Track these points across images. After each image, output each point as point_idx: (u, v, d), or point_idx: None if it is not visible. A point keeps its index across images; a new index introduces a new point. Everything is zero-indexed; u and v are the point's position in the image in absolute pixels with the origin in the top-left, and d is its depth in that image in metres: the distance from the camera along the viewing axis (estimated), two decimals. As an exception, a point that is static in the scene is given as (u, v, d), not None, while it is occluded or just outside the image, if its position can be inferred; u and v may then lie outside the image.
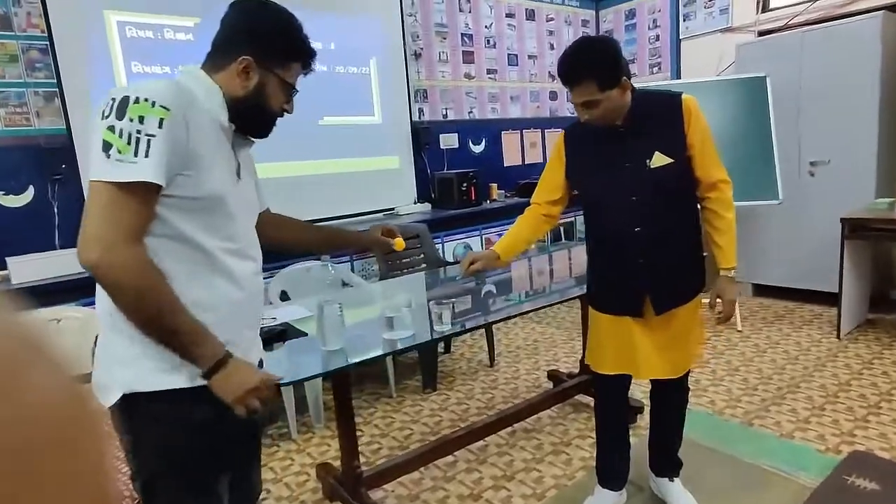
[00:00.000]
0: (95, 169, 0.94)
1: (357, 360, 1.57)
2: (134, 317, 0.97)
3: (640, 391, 2.54)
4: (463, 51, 4.45)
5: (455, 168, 4.29)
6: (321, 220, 3.57)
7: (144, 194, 0.96)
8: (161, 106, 0.96)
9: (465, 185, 4.04)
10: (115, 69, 2.96)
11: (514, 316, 2.17)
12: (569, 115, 5.24)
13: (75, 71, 2.85)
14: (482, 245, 4.14)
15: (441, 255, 3.81)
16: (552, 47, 5.05)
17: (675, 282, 1.73)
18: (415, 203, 4.12)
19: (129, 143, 0.93)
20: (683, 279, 1.75)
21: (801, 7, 3.97)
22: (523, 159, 4.90)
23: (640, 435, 2.36)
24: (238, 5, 1.13)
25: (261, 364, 1.28)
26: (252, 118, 1.13)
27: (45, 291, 2.48)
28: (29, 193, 2.78)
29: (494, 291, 2.47)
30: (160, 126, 0.95)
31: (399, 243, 1.51)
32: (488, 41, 4.60)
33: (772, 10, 4.21)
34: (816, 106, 3.69)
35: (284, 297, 2.84)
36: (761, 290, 4.14)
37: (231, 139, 1.12)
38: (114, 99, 0.96)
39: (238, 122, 1.11)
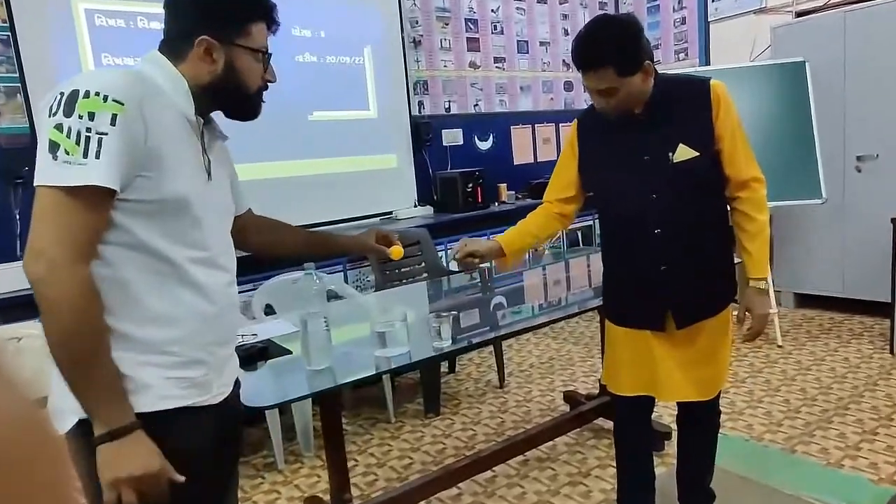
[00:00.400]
0: (41, 172, 0.93)
1: (346, 380, 1.55)
2: (58, 350, 0.93)
3: (667, 414, 2.50)
4: (467, 37, 4.45)
5: (459, 167, 4.28)
6: (311, 226, 3.57)
7: (96, 200, 0.94)
8: (114, 100, 0.94)
9: (470, 185, 4.03)
10: (84, 61, 2.98)
11: (526, 330, 2.15)
12: (585, 106, 5.22)
13: (40, 64, 2.87)
14: (490, 252, 4.12)
15: (444, 263, 3.79)
16: (566, 33, 5.05)
17: (701, 291, 1.69)
18: (415, 206, 4.11)
19: (77, 143, 0.92)
20: (710, 289, 1.71)
21: (844, -16, 3.95)
22: (535, 156, 4.89)
23: (668, 464, 2.33)
24: None
25: (237, 384, 1.27)
26: (232, 101, 1.12)
27: (3, 306, 2.48)
28: (-12, 198, 2.79)
29: (504, 303, 2.45)
30: (113, 123, 0.94)
31: (396, 251, 1.50)
32: (495, 27, 4.60)
33: (811, -13, 4.19)
34: (863, 94, 3.66)
35: (269, 311, 2.83)
36: (804, 301, 4.09)
37: (199, 134, 1.11)
38: (62, 93, 0.94)
39: (218, 107, 1.12)
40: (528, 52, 4.82)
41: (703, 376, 1.74)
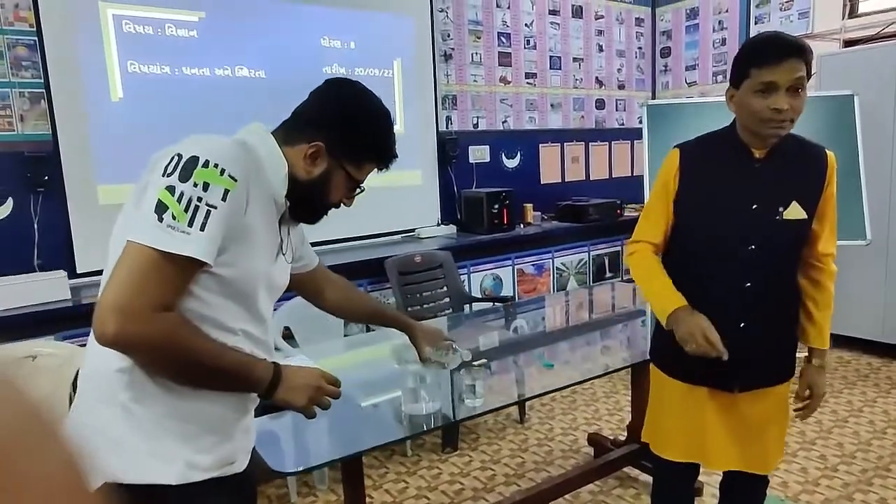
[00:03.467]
0: (141, 230, 0.94)
1: (374, 445, 1.51)
2: (177, 380, 1.00)
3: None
4: (499, 52, 4.40)
5: (485, 185, 4.23)
6: (332, 242, 3.53)
7: (187, 268, 0.96)
8: (230, 175, 0.97)
9: (496, 206, 3.97)
10: (110, 68, 2.97)
11: (557, 390, 2.07)
12: (616, 126, 5.17)
13: (65, 70, 2.86)
14: (514, 277, 4.06)
15: (467, 288, 3.74)
16: (601, 49, 4.99)
17: (772, 356, 1.62)
18: (438, 225, 4.06)
19: (186, 211, 0.94)
20: (780, 355, 1.64)
21: (897, 14, 3.86)
22: (563, 176, 4.83)
23: (698, 523, 2.26)
24: (334, 86, 1.18)
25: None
26: (306, 205, 1.16)
27: (19, 323, 2.46)
28: (7, 206, 2.78)
29: (536, 350, 2.38)
30: (224, 198, 0.96)
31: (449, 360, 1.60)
32: (528, 41, 4.55)
33: (860, 15, 4.10)
34: (913, 131, 3.56)
35: (287, 334, 2.79)
36: (840, 342, 3.99)
37: (280, 215, 1.14)
38: (179, 155, 0.96)
39: (293, 199, 1.14)
40: (560, 68, 4.76)
41: (757, 447, 1.66)
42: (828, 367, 1.64)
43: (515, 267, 4.06)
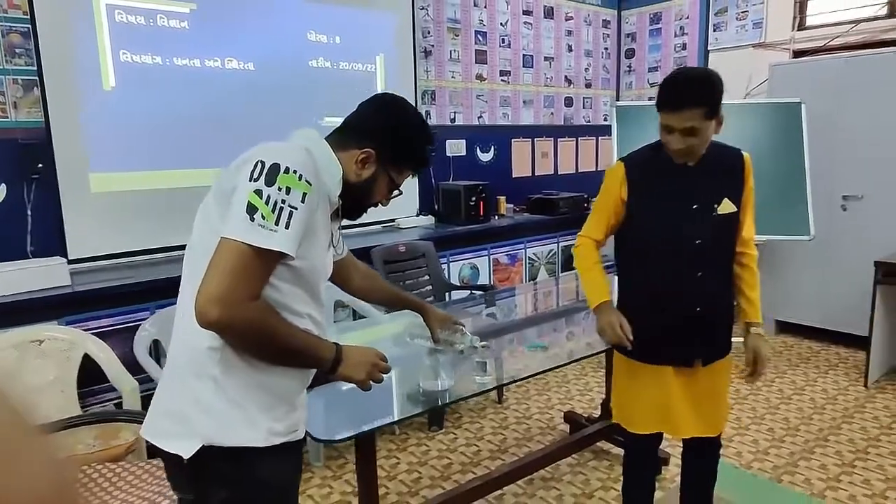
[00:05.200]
0: (236, 228, 1.08)
1: (396, 418, 1.69)
2: (259, 357, 1.16)
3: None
4: (476, 49, 4.58)
5: (460, 178, 4.42)
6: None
7: (272, 260, 1.11)
8: (306, 181, 1.12)
9: (473, 198, 4.17)
10: (102, 57, 3.01)
11: (552, 368, 2.29)
12: (583, 122, 5.43)
13: (58, 58, 2.89)
14: (490, 267, 4.28)
15: (447, 277, 3.93)
16: (570, 49, 5.23)
17: (722, 332, 1.91)
18: (417, 215, 4.23)
19: (273, 212, 1.08)
20: (726, 331, 1.93)
21: (842, 28, 4.22)
22: (533, 170, 5.06)
23: (664, 488, 2.54)
24: (382, 100, 1.34)
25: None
26: (353, 204, 1.32)
27: (20, 308, 2.51)
28: (1, 193, 2.80)
29: (522, 330, 2.59)
30: (302, 200, 1.11)
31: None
32: (503, 40, 4.74)
33: (809, 28, 4.46)
34: (852, 137, 3.94)
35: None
36: (784, 328, 4.38)
37: (334, 212, 1.30)
38: (262, 162, 1.11)
39: (341, 201, 1.30)
40: (532, 67, 4.97)
41: (712, 413, 1.95)
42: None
43: (491, 257, 4.27)
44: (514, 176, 4.92)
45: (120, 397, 2.64)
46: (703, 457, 2.09)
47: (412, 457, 2.89)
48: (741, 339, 1.93)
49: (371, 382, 1.30)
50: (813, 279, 4.17)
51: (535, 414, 3.34)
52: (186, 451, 1.12)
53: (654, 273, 1.89)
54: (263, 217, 1.08)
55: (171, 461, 1.17)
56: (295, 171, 1.11)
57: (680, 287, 1.84)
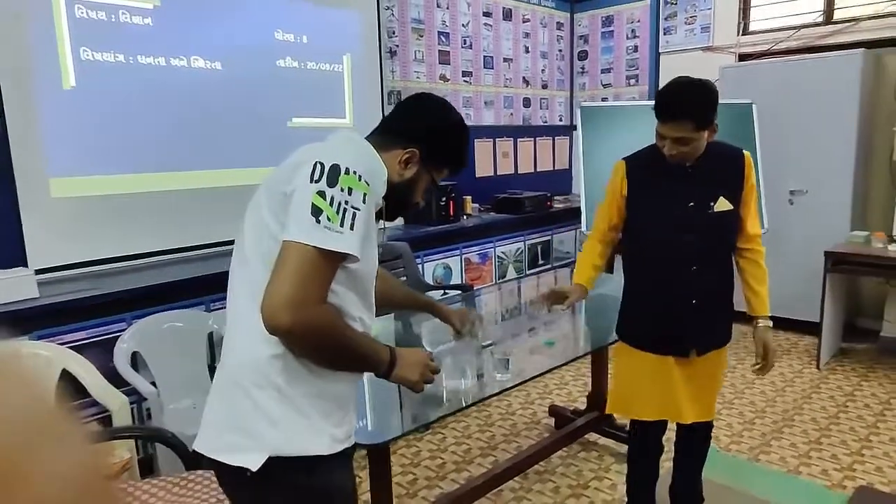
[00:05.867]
0: (302, 231, 1.05)
1: (422, 422, 1.69)
2: (322, 362, 1.15)
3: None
4: (439, 50, 4.60)
5: (428, 179, 4.42)
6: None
7: (337, 261, 1.09)
8: (365, 181, 1.10)
9: (443, 198, 4.18)
10: (62, 55, 2.84)
11: (563, 364, 2.35)
12: (541, 123, 5.55)
13: (14, 55, 2.71)
14: (462, 266, 4.31)
15: (422, 277, 3.93)
16: (527, 50, 5.33)
17: (717, 324, 2.01)
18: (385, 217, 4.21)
19: (337, 213, 1.06)
20: (723, 323, 2.04)
21: (783, 34, 4.50)
22: (495, 170, 5.13)
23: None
24: (423, 100, 1.34)
25: None
26: (394, 205, 1.30)
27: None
28: (-47, 200, 2.60)
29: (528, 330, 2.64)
30: (364, 201, 1.09)
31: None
32: (465, 41, 4.78)
33: (753, 32, 4.73)
34: (798, 135, 4.21)
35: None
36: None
37: (378, 213, 1.27)
38: (321, 164, 1.08)
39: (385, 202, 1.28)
40: (493, 68, 5.04)
41: (707, 400, 2.06)
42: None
43: (463, 256, 4.31)
44: (477, 176, 4.96)
45: (101, 413, 2.51)
46: (697, 440, 2.20)
47: (404, 458, 2.89)
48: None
49: (422, 385, 1.30)
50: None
51: (518, 410, 3.39)
52: (254, 463, 1.09)
53: (652, 266, 1.99)
54: (329, 219, 1.06)
55: (231, 474, 1.13)
56: (355, 172, 1.10)
57: (676, 280, 1.93)
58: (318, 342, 1.10)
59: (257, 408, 1.11)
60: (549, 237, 4.92)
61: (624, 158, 2.03)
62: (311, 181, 1.08)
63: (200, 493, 1.66)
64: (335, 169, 1.09)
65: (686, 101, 1.74)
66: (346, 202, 1.08)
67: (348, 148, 1.17)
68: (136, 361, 2.61)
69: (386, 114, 4.12)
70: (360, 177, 1.10)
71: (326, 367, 1.15)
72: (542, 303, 2.01)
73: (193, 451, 1.19)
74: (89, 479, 0.31)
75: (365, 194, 1.10)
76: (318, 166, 1.09)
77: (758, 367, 2.06)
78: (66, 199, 2.90)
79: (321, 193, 1.07)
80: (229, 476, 1.15)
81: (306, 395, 1.13)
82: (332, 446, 1.16)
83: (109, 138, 3.01)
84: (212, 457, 1.14)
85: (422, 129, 1.28)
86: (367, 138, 1.29)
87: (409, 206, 1.36)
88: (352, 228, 1.08)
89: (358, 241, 1.09)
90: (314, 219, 1.05)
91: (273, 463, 1.10)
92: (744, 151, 1.95)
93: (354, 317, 1.21)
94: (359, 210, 1.09)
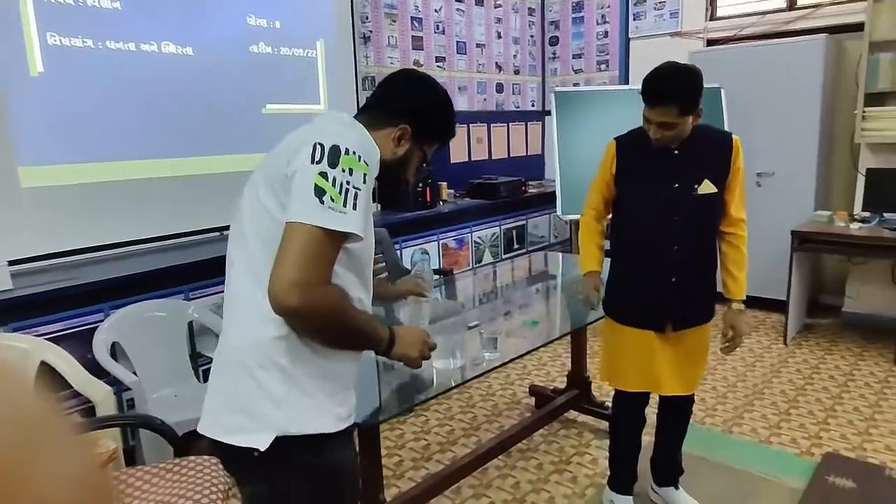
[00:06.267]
0: (306, 212, 1.05)
1: (412, 403, 1.72)
2: (327, 341, 1.16)
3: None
4: (412, 35, 4.59)
5: (404, 165, 4.43)
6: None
7: (341, 241, 1.09)
8: (365, 161, 1.11)
9: (420, 184, 4.20)
10: (28, 40, 2.76)
11: (547, 343, 2.41)
12: (514, 108, 5.58)
13: (-23, 40, 2.62)
14: (440, 251, 4.34)
15: (402, 262, 3.95)
16: (499, 36, 5.35)
17: (696, 303, 2.08)
18: (363, 203, 4.20)
19: (340, 193, 1.06)
20: (703, 303, 2.10)
21: (749, 20, 4.61)
22: (469, 156, 5.15)
23: (634, 448, 2.72)
24: (406, 76, 1.34)
25: None
26: (387, 184, 1.31)
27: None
28: (-82, 191, 2.52)
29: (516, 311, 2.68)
30: (364, 181, 1.10)
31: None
32: (437, 26, 4.78)
33: (720, 18, 4.83)
34: (764, 119, 4.33)
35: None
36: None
37: (374, 193, 1.27)
38: (321, 145, 1.08)
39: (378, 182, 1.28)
40: (465, 53, 5.05)
41: (690, 374, 2.13)
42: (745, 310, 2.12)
43: (441, 241, 4.33)
44: (452, 162, 4.98)
45: (82, 405, 2.48)
46: (678, 413, 2.28)
47: (389, 441, 2.92)
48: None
49: (420, 362, 1.33)
50: (732, 250, 4.56)
51: (499, 390, 3.45)
52: (262, 443, 1.11)
53: (637, 245, 2.06)
54: (332, 199, 1.06)
55: (238, 456, 1.14)
56: (354, 153, 1.11)
57: (658, 259, 2.00)
58: (324, 322, 1.11)
59: (262, 389, 1.12)
60: (523, 222, 4.98)
61: (615, 138, 2.08)
62: (313, 162, 1.08)
63: (194, 478, 1.67)
64: (335, 150, 1.09)
65: (671, 87, 1.79)
66: (348, 182, 1.08)
67: (345, 129, 1.18)
68: (115, 352, 2.59)
69: (361, 99, 4.20)
70: (359, 157, 1.11)
71: (330, 347, 1.17)
72: (593, 299, 2.13)
73: (184, 436, 1.20)
74: (89, 478, 0.31)
75: (365, 174, 1.11)
76: (319, 147, 1.09)
77: (725, 346, 2.13)
78: (37, 188, 2.83)
79: (323, 174, 1.07)
80: (236, 458, 1.16)
81: (310, 374, 1.15)
82: (336, 424, 1.18)
83: (80, 126, 2.94)
84: (219, 439, 1.15)
85: (412, 105, 1.28)
86: (355, 118, 1.28)
87: (401, 185, 1.36)
88: (354, 208, 1.08)
89: (361, 221, 1.10)
90: (318, 199, 1.06)
91: (280, 442, 1.11)
92: (733, 136, 2.00)
93: (354, 297, 1.22)
94: (360, 190, 1.10)
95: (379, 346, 1.25)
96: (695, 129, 1.90)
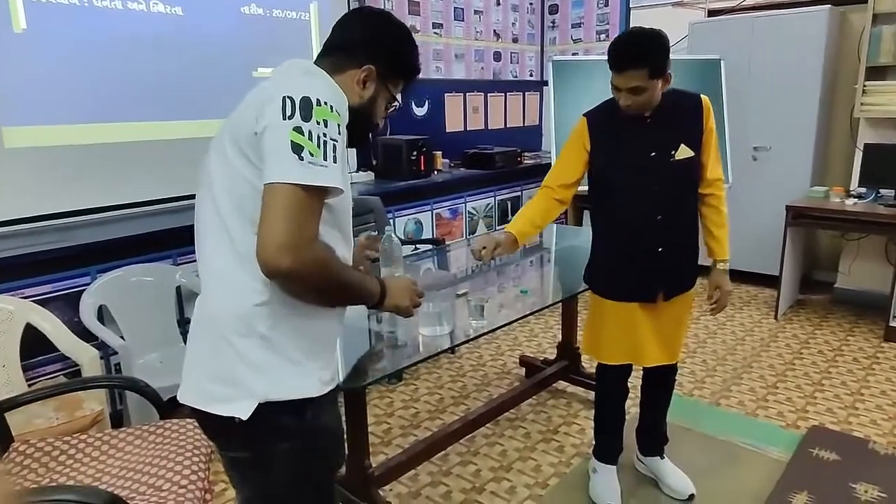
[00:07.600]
0: (286, 170, 0.99)
1: (397, 368, 1.71)
2: (319, 300, 1.15)
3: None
4: (408, 0, 4.48)
5: (397, 133, 4.36)
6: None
7: (323, 197, 1.05)
8: (337, 111, 1.06)
9: (414, 153, 4.14)
10: (13, 4, 2.68)
11: (539, 310, 2.40)
12: (511, 78, 5.50)
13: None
14: (433, 221, 4.30)
15: (394, 232, 3.91)
16: (498, 3, 5.23)
17: (684, 270, 2.07)
18: (356, 171, 4.16)
19: (318, 147, 1.02)
20: (689, 267, 2.10)
21: (752, -10, 4.51)
22: (465, 125, 5.09)
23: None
24: (363, 14, 1.27)
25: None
26: (358, 129, 1.21)
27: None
28: None
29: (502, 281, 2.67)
30: (339, 132, 1.06)
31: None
32: (435, -9, 4.67)
33: (722, -12, 4.72)
34: (763, 92, 4.27)
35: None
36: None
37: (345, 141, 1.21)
38: (290, 98, 1.02)
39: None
40: (463, 20, 4.94)
41: (672, 342, 2.13)
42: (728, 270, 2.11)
43: (434, 211, 4.29)
44: (447, 131, 4.92)
45: (68, 368, 2.47)
46: (661, 382, 2.28)
47: (378, 409, 2.93)
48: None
49: (412, 311, 1.32)
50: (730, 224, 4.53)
51: (489, 361, 3.46)
52: (244, 412, 1.08)
53: (618, 218, 2.03)
54: (311, 154, 1.01)
55: (219, 423, 1.12)
56: (326, 103, 1.05)
57: (641, 230, 1.97)
58: (320, 281, 1.07)
59: (241, 356, 1.09)
60: (518, 193, 4.93)
61: (584, 114, 2.04)
62: (285, 118, 1.02)
63: (177, 440, 1.66)
64: (307, 102, 1.03)
65: (637, 51, 1.75)
66: (325, 134, 1.03)
67: (312, 79, 1.11)
68: (102, 316, 2.57)
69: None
70: (331, 107, 1.05)
71: (324, 305, 1.15)
72: (477, 251, 1.96)
73: (170, 400, 1.17)
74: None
75: (339, 124, 1.06)
76: (289, 101, 1.03)
77: (713, 306, 2.13)
78: (21, 148, 2.78)
79: (298, 129, 1.01)
80: (217, 426, 1.13)
81: (292, 338, 1.12)
82: (319, 388, 1.16)
83: (66, 86, 2.88)
84: (199, 408, 1.13)
85: (374, 44, 1.21)
86: (316, 64, 1.20)
87: (371, 129, 1.30)
88: (335, 161, 1.04)
89: (341, 174, 1.06)
90: (296, 156, 1.00)
91: (262, 409, 1.09)
92: (701, 96, 1.95)
93: (338, 255, 1.19)
94: (336, 142, 1.05)
95: (372, 300, 1.23)
96: (664, 95, 1.86)
